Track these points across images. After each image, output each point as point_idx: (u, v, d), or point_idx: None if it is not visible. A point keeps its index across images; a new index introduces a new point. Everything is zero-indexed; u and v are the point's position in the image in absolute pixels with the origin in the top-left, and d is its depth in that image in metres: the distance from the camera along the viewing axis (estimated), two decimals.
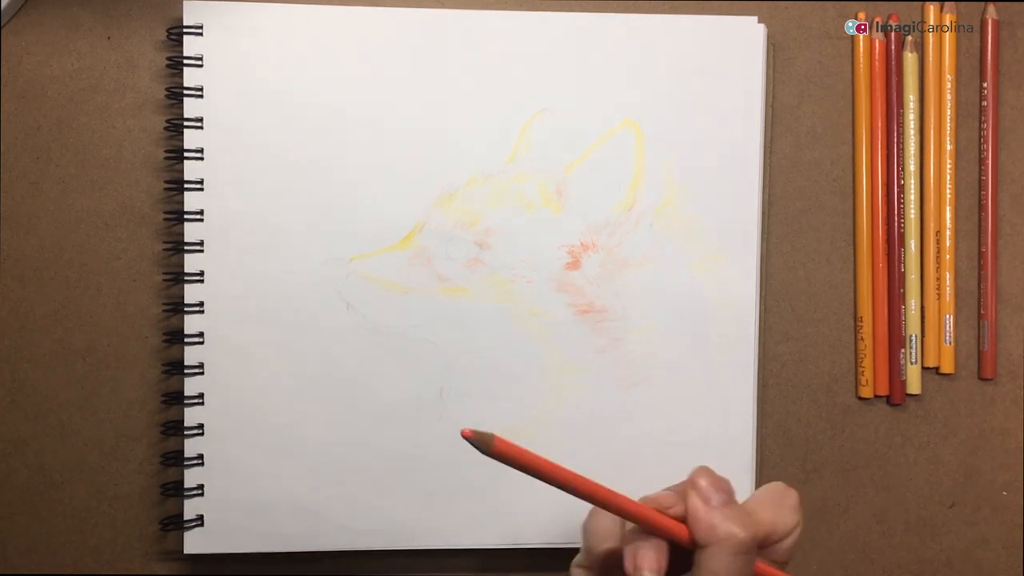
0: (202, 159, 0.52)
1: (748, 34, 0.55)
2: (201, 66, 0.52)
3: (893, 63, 0.57)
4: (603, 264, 0.54)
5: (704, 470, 0.40)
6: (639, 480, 0.54)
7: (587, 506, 0.41)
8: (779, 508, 0.41)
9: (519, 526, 0.54)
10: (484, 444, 0.37)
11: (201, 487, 0.53)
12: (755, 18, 0.55)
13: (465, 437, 0.36)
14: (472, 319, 0.54)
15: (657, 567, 0.38)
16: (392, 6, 0.54)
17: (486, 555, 0.55)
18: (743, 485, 0.55)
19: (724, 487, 0.40)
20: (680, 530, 0.39)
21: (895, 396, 0.57)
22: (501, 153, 0.54)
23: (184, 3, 0.52)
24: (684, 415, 0.54)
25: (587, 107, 0.54)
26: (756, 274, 0.55)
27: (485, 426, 0.54)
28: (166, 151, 0.53)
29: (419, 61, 0.53)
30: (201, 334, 0.52)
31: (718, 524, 0.38)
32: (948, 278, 0.57)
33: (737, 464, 0.55)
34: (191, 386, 0.52)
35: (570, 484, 0.38)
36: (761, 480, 0.56)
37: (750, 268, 0.55)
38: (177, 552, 0.54)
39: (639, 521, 0.39)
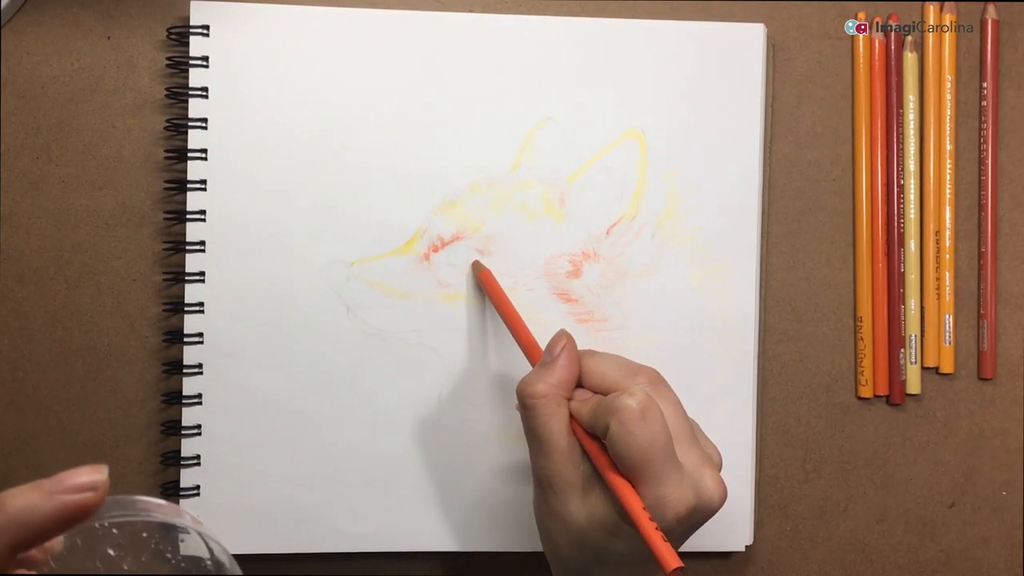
0: (206, 159, 0.52)
1: (748, 35, 0.55)
2: (207, 67, 0.52)
3: (893, 63, 0.57)
4: (604, 274, 0.54)
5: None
6: None
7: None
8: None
9: (516, 530, 0.54)
10: (476, 269, 0.53)
11: (197, 487, 0.52)
12: (758, 24, 0.55)
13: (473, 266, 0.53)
14: (472, 326, 0.53)
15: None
16: (399, 9, 0.54)
17: (484, 557, 0.55)
18: (743, 485, 0.55)
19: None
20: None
21: (895, 396, 0.57)
22: (505, 160, 0.54)
23: (191, 4, 0.52)
24: None
25: (591, 116, 0.54)
26: (756, 286, 0.55)
27: (482, 432, 0.54)
28: (166, 151, 0.53)
29: (425, 65, 0.53)
30: (201, 334, 0.52)
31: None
32: (948, 278, 0.57)
33: (737, 464, 0.54)
34: (190, 386, 0.52)
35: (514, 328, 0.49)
36: (761, 480, 0.56)
37: (749, 280, 0.55)
38: None
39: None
